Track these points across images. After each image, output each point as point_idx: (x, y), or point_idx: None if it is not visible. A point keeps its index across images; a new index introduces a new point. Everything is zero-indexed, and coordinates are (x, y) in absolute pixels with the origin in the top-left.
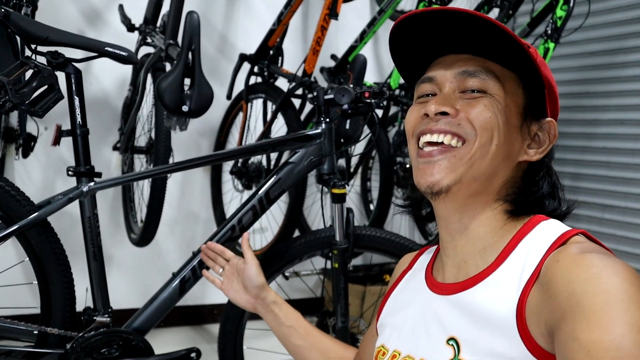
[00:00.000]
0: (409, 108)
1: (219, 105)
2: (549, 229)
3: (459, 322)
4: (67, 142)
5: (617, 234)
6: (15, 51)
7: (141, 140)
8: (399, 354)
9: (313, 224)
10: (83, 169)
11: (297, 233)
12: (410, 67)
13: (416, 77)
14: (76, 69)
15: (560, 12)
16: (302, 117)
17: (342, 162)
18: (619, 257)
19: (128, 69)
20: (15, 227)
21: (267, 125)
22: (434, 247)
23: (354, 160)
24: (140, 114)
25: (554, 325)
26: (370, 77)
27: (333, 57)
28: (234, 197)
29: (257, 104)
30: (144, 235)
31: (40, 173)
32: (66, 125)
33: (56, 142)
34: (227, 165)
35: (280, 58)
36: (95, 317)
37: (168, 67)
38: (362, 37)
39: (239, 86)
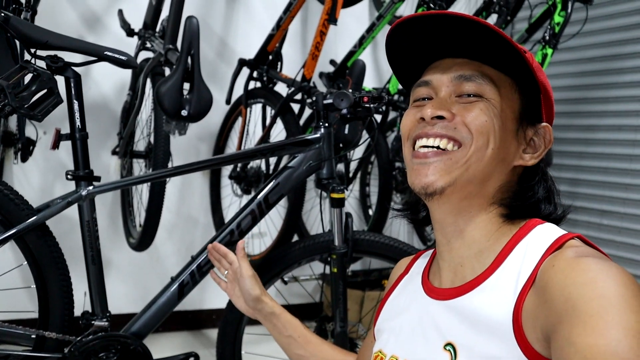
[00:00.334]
0: (405, 111)
1: (218, 110)
2: (544, 233)
3: (456, 328)
4: (66, 146)
5: (616, 239)
6: (15, 55)
7: (140, 145)
8: (396, 359)
9: (312, 229)
10: (82, 173)
11: (296, 238)
12: (407, 71)
13: (413, 81)
14: (75, 73)
15: (558, 18)
16: (301, 122)
17: (341, 166)
18: (617, 263)
19: (127, 73)
20: (14, 231)
21: (266, 130)
22: (430, 251)
23: (353, 165)
24: (139, 119)
25: (551, 329)
26: (369, 83)
27: (332, 62)
28: (233, 202)
29: (256, 108)
30: (143, 239)
31: (39, 177)
32: (65, 129)
33: (55, 146)
34: (226, 170)
35: (279, 63)
36: (93, 322)
37: (167, 71)
38: (361, 43)
39: (238, 91)
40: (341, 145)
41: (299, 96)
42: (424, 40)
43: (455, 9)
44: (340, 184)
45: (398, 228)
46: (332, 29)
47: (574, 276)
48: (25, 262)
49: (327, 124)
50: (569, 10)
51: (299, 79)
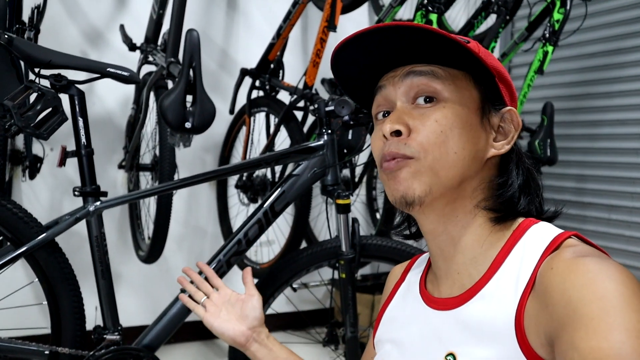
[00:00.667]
0: (372, 134)
1: (222, 120)
2: (540, 233)
3: (457, 337)
4: (73, 162)
5: (625, 234)
6: (20, 75)
7: (146, 158)
8: None
9: (320, 235)
10: (89, 188)
11: (304, 244)
12: (363, 94)
13: (370, 100)
14: (79, 91)
15: (557, 15)
16: (305, 129)
17: (346, 171)
18: (627, 258)
19: (131, 87)
20: (24, 249)
21: (271, 138)
22: (425, 256)
23: (359, 170)
24: (144, 132)
25: (554, 334)
26: None
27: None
28: (240, 211)
29: (260, 117)
30: (152, 252)
31: (47, 194)
32: (71, 146)
33: (62, 163)
34: (233, 180)
35: (281, 71)
36: (105, 336)
37: (170, 84)
38: None
39: (241, 100)
40: (345, 151)
41: (301, 103)
42: (370, 57)
43: (454, 10)
44: (346, 189)
45: None
46: (332, 35)
47: (573, 278)
48: (37, 279)
49: (330, 131)
50: (568, 7)
51: (301, 86)
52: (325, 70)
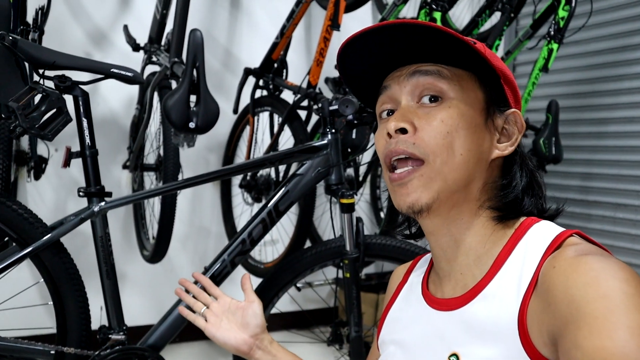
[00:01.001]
0: (376, 132)
1: (226, 120)
2: (542, 232)
3: (461, 337)
4: (77, 163)
5: (631, 232)
6: (24, 76)
7: (150, 158)
8: None
9: (324, 234)
10: (93, 189)
11: (308, 243)
12: (367, 91)
13: (374, 99)
14: (83, 92)
15: (562, 13)
16: (309, 128)
17: (350, 170)
18: (634, 256)
19: (135, 88)
20: (30, 250)
21: (274, 138)
22: (428, 257)
23: (363, 169)
24: (148, 132)
25: (557, 333)
26: None
27: (337, 67)
28: (244, 211)
29: (264, 117)
30: (156, 251)
31: (52, 194)
32: (76, 147)
33: (66, 163)
34: (237, 179)
35: (284, 70)
36: (110, 335)
37: (174, 84)
38: None
39: (245, 100)
40: (349, 150)
41: (305, 103)
42: (376, 56)
43: (457, 8)
44: (350, 189)
45: None
46: (336, 34)
47: (576, 277)
48: (42, 280)
49: (334, 130)
50: (574, 4)
51: (304, 85)
52: (329, 69)
